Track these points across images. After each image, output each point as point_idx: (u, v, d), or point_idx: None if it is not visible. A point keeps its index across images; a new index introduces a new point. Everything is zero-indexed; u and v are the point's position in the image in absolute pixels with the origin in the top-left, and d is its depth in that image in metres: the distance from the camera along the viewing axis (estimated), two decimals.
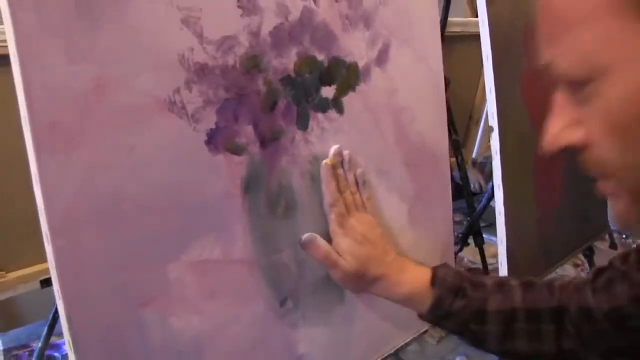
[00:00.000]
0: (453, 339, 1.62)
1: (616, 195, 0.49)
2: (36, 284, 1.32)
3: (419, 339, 1.63)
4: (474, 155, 2.02)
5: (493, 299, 0.79)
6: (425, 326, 1.10)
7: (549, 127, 0.49)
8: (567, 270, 1.90)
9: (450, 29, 1.71)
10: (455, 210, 2.06)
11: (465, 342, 0.85)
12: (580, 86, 0.43)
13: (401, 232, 1.01)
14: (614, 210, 0.50)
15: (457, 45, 1.74)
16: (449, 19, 1.66)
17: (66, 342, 0.63)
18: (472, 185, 2.04)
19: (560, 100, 0.48)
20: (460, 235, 1.65)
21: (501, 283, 0.82)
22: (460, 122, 1.88)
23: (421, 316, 0.83)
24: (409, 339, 1.06)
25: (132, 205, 0.66)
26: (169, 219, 0.69)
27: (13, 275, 1.30)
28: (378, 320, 0.98)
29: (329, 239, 0.84)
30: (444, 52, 1.73)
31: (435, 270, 0.83)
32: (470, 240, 1.66)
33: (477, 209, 1.59)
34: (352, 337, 0.93)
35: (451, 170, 1.79)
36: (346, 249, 0.83)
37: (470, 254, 1.85)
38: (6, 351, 1.66)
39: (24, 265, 1.31)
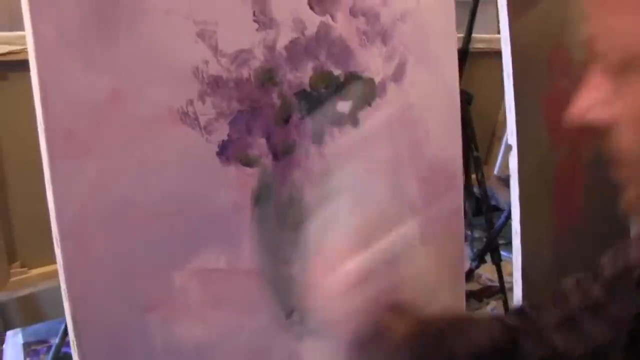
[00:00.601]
0: None
1: (629, 181, 0.47)
2: (57, 281, 1.35)
3: None
4: (496, 171, 2.00)
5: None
6: None
7: (579, 99, 0.48)
8: None
9: (475, 45, 1.70)
10: (476, 227, 2.06)
11: None
12: (623, 68, 0.43)
13: (411, 247, 1.01)
14: (626, 196, 0.49)
15: (481, 62, 1.73)
16: (474, 35, 1.66)
17: (71, 342, 0.65)
18: (498, 202, 2.02)
19: (597, 75, 0.47)
20: (477, 252, 1.64)
21: None
22: (483, 138, 1.87)
23: None
24: None
25: (140, 212, 0.67)
26: (176, 227, 0.71)
27: (35, 271, 1.33)
28: None
29: None
30: (468, 68, 1.73)
31: None
32: (488, 258, 1.65)
33: (495, 226, 1.58)
34: None
35: (473, 186, 1.79)
36: None
37: (488, 271, 1.83)
38: (26, 345, 1.69)
39: (46, 262, 1.33)
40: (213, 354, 0.76)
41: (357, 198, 0.89)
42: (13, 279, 1.25)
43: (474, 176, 1.71)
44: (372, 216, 0.92)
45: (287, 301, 0.83)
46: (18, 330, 1.76)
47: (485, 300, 1.84)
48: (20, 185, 1.15)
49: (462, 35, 1.72)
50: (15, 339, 1.74)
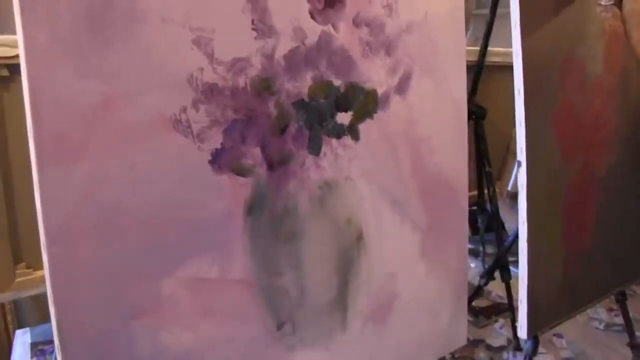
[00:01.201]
0: None
1: None
2: None
3: None
4: (509, 187, 1.97)
5: None
6: (435, 358, 1.08)
7: None
8: (600, 314, 1.82)
9: (491, 58, 1.68)
10: (488, 242, 2.03)
11: None
12: None
13: (412, 264, 0.99)
14: None
15: (497, 75, 1.71)
16: (490, 48, 1.64)
17: (56, 347, 0.65)
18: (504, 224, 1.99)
19: None
20: (487, 269, 1.61)
21: None
22: (497, 153, 1.84)
23: None
24: None
25: (130, 219, 0.67)
26: (166, 234, 0.70)
27: (40, 273, 1.34)
28: (383, 349, 0.97)
29: (334, 266, 0.84)
30: (483, 81, 1.71)
31: None
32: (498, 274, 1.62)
33: (505, 243, 1.55)
34: None
35: (484, 203, 1.76)
36: None
37: (498, 288, 1.80)
38: (33, 345, 1.71)
39: None
40: None
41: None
42: (18, 279, 1.27)
43: (486, 191, 1.68)
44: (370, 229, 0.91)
45: (279, 312, 0.82)
46: (27, 329, 1.79)
47: (494, 317, 1.81)
48: (27, 186, 1.15)
49: (478, 48, 1.70)
50: (24, 338, 1.76)
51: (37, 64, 0.60)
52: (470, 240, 2.02)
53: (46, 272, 0.63)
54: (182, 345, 0.73)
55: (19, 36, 0.59)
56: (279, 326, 0.83)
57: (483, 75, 1.69)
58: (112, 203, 0.66)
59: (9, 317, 2.06)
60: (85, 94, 0.63)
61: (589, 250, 1.35)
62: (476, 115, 1.63)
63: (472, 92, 1.64)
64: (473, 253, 2.10)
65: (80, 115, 0.63)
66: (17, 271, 1.26)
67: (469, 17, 1.87)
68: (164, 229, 0.70)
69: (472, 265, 2.08)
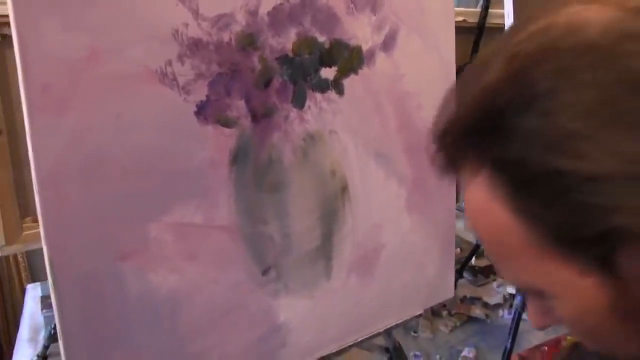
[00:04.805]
0: (465, 330, 1.63)
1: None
2: None
3: (432, 327, 1.64)
4: None
5: None
6: (420, 310, 1.12)
7: (528, 309, 0.49)
8: None
9: (492, 20, 1.68)
10: None
11: None
12: (539, 296, 0.44)
13: (399, 217, 1.03)
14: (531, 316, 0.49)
15: (498, 37, 1.71)
16: (490, 10, 1.64)
17: (49, 285, 0.70)
18: None
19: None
20: None
21: None
22: None
23: None
24: (399, 322, 1.08)
25: (115, 165, 0.71)
26: (151, 181, 0.74)
27: None
28: (368, 299, 1.01)
29: (318, 216, 0.87)
30: (484, 43, 1.70)
31: None
32: None
33: None
34: (335, 312, 0.97)
35: None
36: None
37: None
38: (43, 298, 1.78)
39: None
40: (187, 304, 0.80)
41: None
42: (25, 233, 1.32)
43: None
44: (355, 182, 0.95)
45: (263, 258, 0.87)
46: (38, 283, 1.85)
47: (492, 276, 1.85)
48: None
49: (479, 10, 1.70)
50: (34, 292, 1.83)
51: (25, 16, 0.63)
52: None
53: (39, 214, 0.68)
54: (168, 287, 0.78)
55: None
56: (264, 272, 0.87)
57: (486, 37, 1.69)
58: (98, 150, 0.70)
59: (23, 274, 2.14)
60: (71, 46, 0.66)
61: None
62: None
63: (472, 53, 1.65)
64: None
65: (67, 67, 0.66)
66: (24, 224, 1.31)
67: None
68: (148, 175, 0.74)
69: None
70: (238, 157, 0.81)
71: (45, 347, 1.40)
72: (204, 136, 0.78)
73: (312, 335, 0.94)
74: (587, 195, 0.34)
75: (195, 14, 0.75)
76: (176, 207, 0.77)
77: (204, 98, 0.77)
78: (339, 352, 1.01)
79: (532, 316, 0.47)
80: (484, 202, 0.40)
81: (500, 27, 1.70)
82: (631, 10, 0.36)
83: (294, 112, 0.86)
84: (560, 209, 0.36)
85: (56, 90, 0.66)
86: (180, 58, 0.75)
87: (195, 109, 0.77)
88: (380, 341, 1.21)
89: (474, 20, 1.68)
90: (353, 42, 0.92)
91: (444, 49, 1.06)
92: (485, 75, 0.39)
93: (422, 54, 1.02)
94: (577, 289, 0.39)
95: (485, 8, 1.64)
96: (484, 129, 0.38)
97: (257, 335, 0.88)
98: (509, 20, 1.17)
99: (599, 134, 0.34)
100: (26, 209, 1.31)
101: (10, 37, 1.16)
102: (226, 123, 0.80)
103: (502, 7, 1.83)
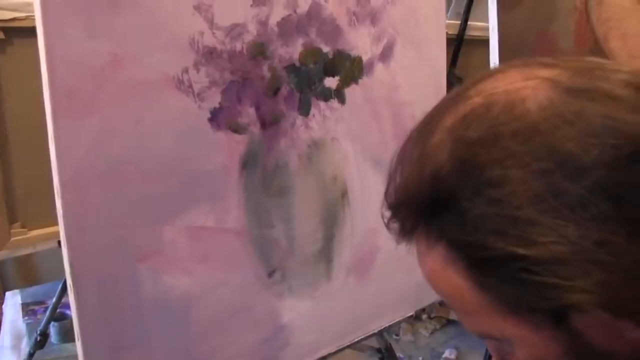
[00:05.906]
0: (445, 332, 1.68)
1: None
2: (56, 243, 1.40)
3: (413, 330, 1.69)
4: None
5: None
6: (412, 311, 1.16)
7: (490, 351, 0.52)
8: None
9: (471, 32, 1.75)
10: None
11: None
12: (499, 342, 0.47)
13: None
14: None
15: (476, 49, 1.77)
16: (470, 22, 1.70)
17: (68, 286, 0.71)
18: None
19: None
20: None
21: None
22: None
23: None
24: (392, 322, 1.12)
25: (135, 169, 0.73)
26: (168, 185, 0.76)
27: (35, 232, 1.38)
28: (364, 300, 1.04)
29: (320, 220, 0.91)
30: (464, 55, 1.77)
31: None
32: None
33: None
34: (335, 312, 1.00)
35: None
36: None
37: None
38: (24, 305, 1.76)
39: (46, 223, 1.38)
40: (198, 305, 0.82)
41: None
42: (13, 238, 1.31)
43: None
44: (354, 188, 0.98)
45: (269, 261, 0.89)
46: (17, 291, 1.83)
47: None
48: (23, 147, 1.19)
49: (459, 22, 1.76)
50: (14, 300, 1.80)
51: (52, 23, 0.65)
52: None
53: (59, 217, 0.69)
54: (181, 288, 0.80)
55: None
56: (270, 274, 0.89)
57: (465, 48, 1.75)
58: (119, 154, 0.72)
59: None
60: (95, 53, 0.68)
61: None
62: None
63: (452, 64, 1.71)
64: None
65: (91, 72, 0.68)
66: (13, 230, 1.30)
67: None
68: (165, 179, 0.76)
69: None
70: (248, 163, 0.84)
71: (31, 354, 1.39)
72: (217, 142, 0.80)
73: (313, 335, 0.97)
74: (540, 276, 0.37)
75: (211, 23, 0.78)
76: (190, 210, 0.79)
77: (217, 105, 0.80)
78: (336, 353, 1.04)
79: (494, 358, 0.50)
80: (441, 269, 0.43)
81: (481, 40, 1.77)
82: (565, 89, 0.39)
83: (299, 120, 0.90)
84: (516, 287, 0.39)
85: (81, 95, 0.68)
86: (196, 66, 0.77)
87: (209, 115, 0.79)
88: (371, 342, 1.25)
89: (453, 32, 1.74)
90: (354, 53, 0.96)
91: (436, 60, 1.11)
92: (431, 155, 0.41)
93: (416, 65, 1.07)
94: (532, 340, 0.42)
95: (465, 20, 1.70)
96: (437, 211, 0.41)
97: (263, 336, 0.90)
98: (494, 35, 1.22)
99: (546, 221, 0.37)
100: (14, 214, 1.30)
101: (1, 40, 1.16)
102: (237, 129, 0.82)
103: (481, 20, 1.90)
